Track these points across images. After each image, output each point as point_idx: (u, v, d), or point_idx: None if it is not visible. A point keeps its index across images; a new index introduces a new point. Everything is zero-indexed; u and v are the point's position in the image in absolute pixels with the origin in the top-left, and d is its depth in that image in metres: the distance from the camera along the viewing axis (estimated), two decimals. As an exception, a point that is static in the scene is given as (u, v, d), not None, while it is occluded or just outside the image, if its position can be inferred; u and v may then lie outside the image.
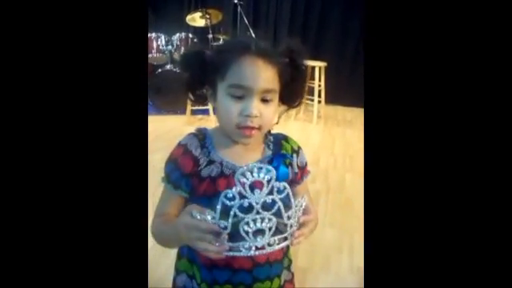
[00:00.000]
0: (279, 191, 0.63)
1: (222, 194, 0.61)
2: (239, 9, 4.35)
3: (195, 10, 4.55)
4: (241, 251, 0.64)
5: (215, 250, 0.64)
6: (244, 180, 0.61)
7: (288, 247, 0.91)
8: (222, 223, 0.62)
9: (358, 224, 2.21)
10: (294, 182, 0.84)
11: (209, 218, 0.63)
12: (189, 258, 0.84)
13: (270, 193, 0.62)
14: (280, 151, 0.83)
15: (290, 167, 0.83)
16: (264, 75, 0.73)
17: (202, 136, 0.82)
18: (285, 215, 0.64)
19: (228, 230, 0.63)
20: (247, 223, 0.62)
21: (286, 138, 0.87)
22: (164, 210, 0.80)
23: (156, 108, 4.29)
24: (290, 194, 0.64)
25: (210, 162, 0.78)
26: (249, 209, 0.62)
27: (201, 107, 4.02)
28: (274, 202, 0.62)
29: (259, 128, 0.75)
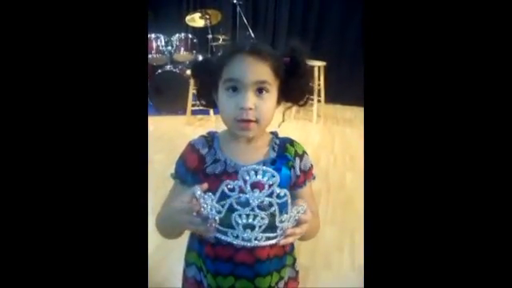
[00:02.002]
0: (279, 196, 0.65)
1: (224, 183, 0.65)
2: (238, 9, 4.37)
3: (194, 10, 4.57)
4: (228, 236, 0.68)
5: (204, 230, 0.69)
6: (247, 178, 0.64)
7: (292, 247, 0.94)
8: (218, 207, 0.66)
9: (358, 222, 2.21)
10: (296, 185, 0.87)
11: (208, 199, 0.66)
12: (197, 251, 0.89)
13: (270, 195, 0.65)
14: (283, 154, 0.86)
15: (292, 170, 0.86)
16: (255, 69, 0.77)
17: (210, 138, 0.88)
18: (278, 218, 0.67)
19: (221, 215, 0.66)
20: (240, 215, 0.66)
21: (291, 142, 0.90)
22: (170, 202, 0.84)
23: (156, 109, 4.29)
24: (289, 201, 0.67)
25: (216, 161, 0.83)
26: (245, 204, 0.65)
27: (201, 107, 4.04)
28: (271, 204, 0.65)
29: (257, 121, 0.78)
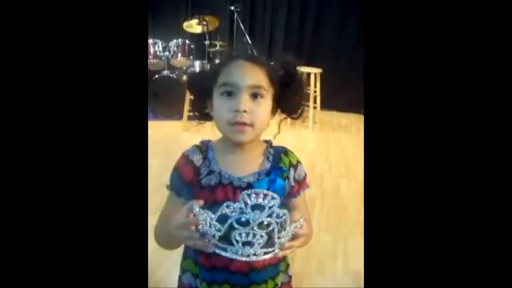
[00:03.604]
0: (278, 216, 0.67)
1: (225, 204, 0.66)
2: (236, 15, 4.39)
3: (192, 16, 4.58)
4: (227, 252, 0.69)
5: (202, 246, 0.70)
6: (248, 201, 0.65)
7: None
8: (217, 226, 0.67)
9: (352, 229, 2.23)
10: (290, 195, 0.87)
11: (207, 217, 0.67)
12: (192, 258, 0.89)
13: (269, 216, 0.66)
14: (278, 164, 0.86)
15: (286, 180, 0.86)
16: (250, 73, 0.79)
17: (204, 148, 0.87)
18: (276, 235, 0.68)
19: (221, 233, 0.67)
20: (240, 234, 0.67)
21: (285, 152, 0.90)
22: (167, 215, 0.84)
23: (153, 114, 4.29)
24: (288, 220, 0.68)
25: (210, 172, 0.83)
26: (245, 223, 0.66)
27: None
28: (270, 223, 0.67)
29: (251, 125, 0.79)
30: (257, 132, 0.82)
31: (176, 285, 0.97)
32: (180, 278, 0.95)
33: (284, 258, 0.95)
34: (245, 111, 0.77)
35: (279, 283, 0.92)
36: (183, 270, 0.94)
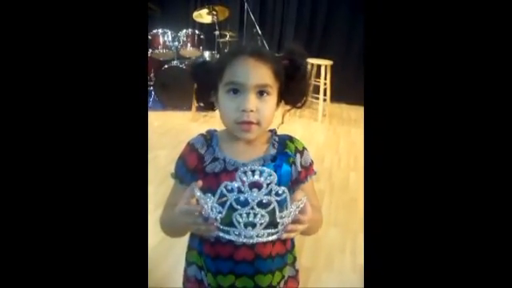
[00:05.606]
0: (277, 194, 0.66)
1: (223, 185, 0.66)
2: (246, 6, 4.35)
3: (202, 6, 4.55)
4: (230, 235, 0.69)
5: (206, 230, 0.71)
6: (244, 178, 0.65)
7: (293, 245, 0.94)
8: (218, 208, 0.67)
9: (361, 223, 2.20)
10: (298, 181, 0.88)
11: (208, 200, 0.67)
12: (197, 250, 0.90)
13: (268, 194, 0.66)
14: (284, 150, 0.87)
15: (293, 166, 0.86)
16: (256, 71, 0.78)
17: (209, 136, 0.89)
18: (278, 215, 0.68)
19: (222, 216, 0.68)
20: (240, 215, 0.67)
21: (291, 139, 0.91)
22: (172, 203, 0.85)
23: (162, 104, 4.30)
24: (288, 198, 0.68)
25: (215, 159, 0.84)
26: (244, 203, 0.66)
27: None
28: (270, 202, 0.66)
29: (258, 123, 0.79)
30: (263, 129, 0.82)
31: (181, 278, 0.97)
32: (185, 270, 0.95)
33: (291, 250, 0.94)
34: (251, 111, 0.77)
35: (286, 276, 0.92)
36: (188, 263, 0.94)
